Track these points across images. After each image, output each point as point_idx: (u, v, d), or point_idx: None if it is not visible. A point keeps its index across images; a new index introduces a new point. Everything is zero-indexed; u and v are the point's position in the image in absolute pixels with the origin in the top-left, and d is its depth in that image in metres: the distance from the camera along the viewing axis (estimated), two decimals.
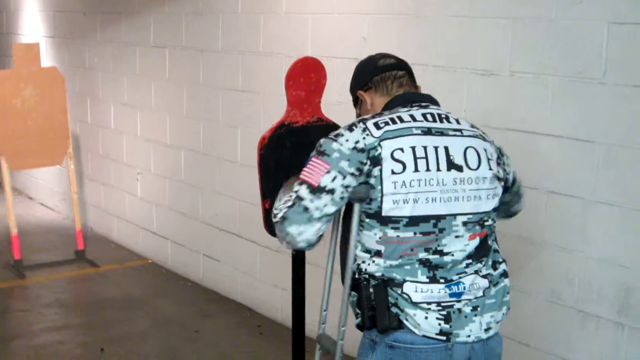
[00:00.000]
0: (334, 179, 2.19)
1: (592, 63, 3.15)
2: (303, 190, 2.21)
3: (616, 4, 3.07)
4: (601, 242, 3.23)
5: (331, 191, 2.19)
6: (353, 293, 2.36)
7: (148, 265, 6.33)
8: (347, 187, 2.20)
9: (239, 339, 4.86)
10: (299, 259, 3.29)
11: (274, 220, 2.27)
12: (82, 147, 7.32)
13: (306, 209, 2.20)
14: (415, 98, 2.39)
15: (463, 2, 3.64)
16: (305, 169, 2.25)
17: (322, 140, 2.28)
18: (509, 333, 3.51)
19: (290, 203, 2.22)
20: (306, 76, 3.11)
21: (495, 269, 2.35)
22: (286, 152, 3.11)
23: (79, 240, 6.41)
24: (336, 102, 4.28)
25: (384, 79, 2.44)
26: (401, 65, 2.48)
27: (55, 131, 6.23)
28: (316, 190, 2.19)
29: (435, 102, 2.41)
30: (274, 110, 4.52)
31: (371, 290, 2.24)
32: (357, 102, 2.55)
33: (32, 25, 8.02)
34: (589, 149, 3.20)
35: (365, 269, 2.27)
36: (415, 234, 2.21)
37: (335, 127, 3.22)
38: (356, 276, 2.30)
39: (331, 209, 2.22)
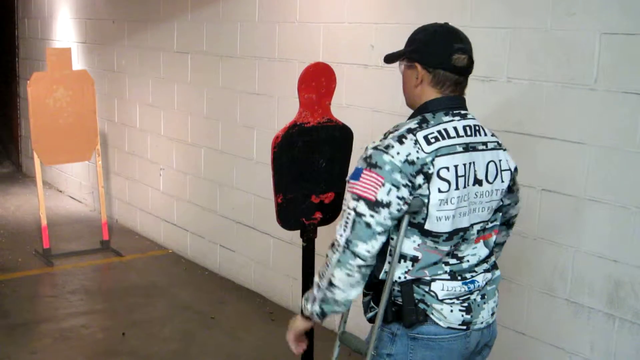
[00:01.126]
0: (389, 192, 2.07)
1: (584, 70, 3.15)
2: (362, 207, 2.08)
3: (607, 16, 3.06)
4: (592, 237, 3.22)
5: (388, 204, 2.07)
6: (366, 292, 2.35)
7: (169, 255, 6.35)
8: (402, 198, 2.08)
9: (252, 325, 4.86)
10: (308, 249, 3.30)
11: (335, 251, 2.11)
12: (109, 144, 7.35)
13: (368, 225, 2.07)
14: (455, 105, 2.23)
15: (464, 13, 3.64)
16: (358, 183, 2.10)
17: (370, 151, 2.13)
18: (506, 322, 3.52)
19: (350, 223, 2.09)
20: (317, 80, 3.12)
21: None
22: (298, 150, 3.12)
23: (105, 231, 6.43)
24: (345, 105, 4.30)
25: (447, 79, 2.21)
26: (468, 71, 2.25)
27: (84, 129, 6.25)
28: (374, 204, 2.07)
29: (466, 105, 2.29)
30: (287, 111, 4.54)
31: (396, 288, 2.20)
32: (398, 58, 2.30)
33: (65, 32, 8.06)
34: (581, 150, 3.20)
35: (387, 271, 2.21)
36: (451, 247, 2.20)
37: (344, 127, 3.24)
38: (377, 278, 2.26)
39: (390, 222, 2.09)
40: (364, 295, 2.33)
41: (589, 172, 3.19)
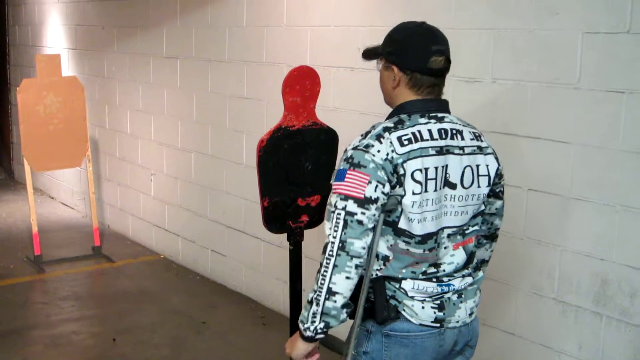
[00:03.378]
0: (376, 188, 2.09)
1: (568, 70, 3.16)
2: (352, 206, 2.08)
3: (590, 16, 3.07)
4: (578, 236, 3.22)
5: (376, 200, 2.09)
6: None
7: (160, 260, 6.34)
8: (386, 194, 2.11)
9: (243, 329, 4.86)
10: (296, 253, 3.30)
11: (330, 257, 2.09)
12: (100, 150, 7.34)
13: (361, 222, 2.08)
14: (432, 107, 2.24)
15: (449, 15, 3.65)
16: (343, 183, 2.11)
17: (351, 152, 2.15)
18: (494, 323, 3.53)
19: (341, 224, 2.09)
20: (301, 83, 3.12)
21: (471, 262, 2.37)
22: (283, 154, 3.12)
23: (96, 237, 6.41)
24: (332, 108, 4.31)
25: (423, 82, 2.22)
26: (444, 72, 2.26)
27: (75, 135, 6.23)
28: (364, 202, 2.08)
29: (448, 108, 2.29)
30: (276, 115, 4.51)
31: (369, 284, 2.20)
32: (376, 57, 2.33)
33: (55, 38, 8.05)
34: (565, 149, 3.20)
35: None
36: (424, 251, 2.19)
37: (330, 130, 3.24)
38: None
39: (378, 217, 2.12)
40: None
41: (574, 171, 3.19)
